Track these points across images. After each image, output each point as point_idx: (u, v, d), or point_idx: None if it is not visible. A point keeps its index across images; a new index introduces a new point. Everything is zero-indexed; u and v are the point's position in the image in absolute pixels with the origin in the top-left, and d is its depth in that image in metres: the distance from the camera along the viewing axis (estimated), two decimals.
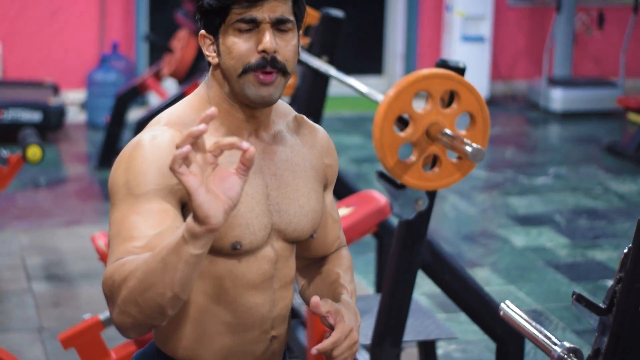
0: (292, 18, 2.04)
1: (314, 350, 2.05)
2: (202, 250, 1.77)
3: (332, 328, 2.08)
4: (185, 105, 2.09)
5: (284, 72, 2.03)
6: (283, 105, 2.20)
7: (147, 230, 1.90)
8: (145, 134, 2.01)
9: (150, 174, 1.95)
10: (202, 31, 2.07)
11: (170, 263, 1.77)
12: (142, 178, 1.94)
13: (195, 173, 1.72)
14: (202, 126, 1.70)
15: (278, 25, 2.02)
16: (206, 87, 2.10)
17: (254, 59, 2.01)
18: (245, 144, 1.72)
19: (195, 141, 1.71)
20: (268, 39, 2.00)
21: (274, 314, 2.13)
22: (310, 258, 2.30)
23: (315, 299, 2.04)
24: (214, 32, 2.05)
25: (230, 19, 2.01)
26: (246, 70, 2.01)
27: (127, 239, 1.90)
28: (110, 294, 1.87)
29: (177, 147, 1.70)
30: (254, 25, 2.01)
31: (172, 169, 1.70)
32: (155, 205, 1.93)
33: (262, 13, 2.00)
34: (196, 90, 2.12)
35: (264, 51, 2.00)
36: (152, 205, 1.93)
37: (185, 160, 1.70)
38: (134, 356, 2.20)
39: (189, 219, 1.75)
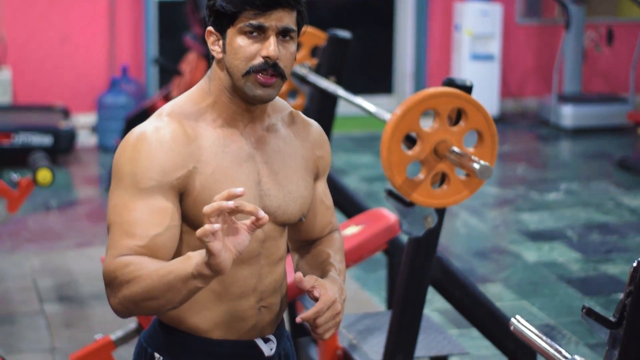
0: (295, 28, 2.18)
1: (298, 319, 2.18)
2: (206, 284, 2.02)
3: (317, 301, 2.20)
4: (187, 97, 2.25)
5: (282, 76, 2.19)
6: (280, 101, 2.36)
7: (148, 230, 2.10)
8: (149, 125, 2.18)
9: (153, 171, 2.13)
10: (210, 27, 2.20)
11: (175, 288, 2.02)
12: (146, 173, 2.13)
13: (220, 238, 1.93)
14: (230, 203, 1.91)
15: (282, 34, 2.17)
16: (208, 80, 2.25)
17: (257, 62, 2.16)
18: (261, 213, 1.96)
19: (222, 213, 1.92)
20: (273, 47, 2.15)
21: (261, 287, 2.28)
22: (302, 240, 2.45)
23: (298, 274, 2.19)
24: (222, 30, 2.18)
25: (239, 22, 2.15)
26: (249, 71, 2.16)
27: (129, 235, 2.10)
28: (111, 285, 2.09)
29: (206, 214, 1.91)
30: (261, 31, 2.15)
31: (200, 239, 1.91)
32: (157, 203, 2.12)
33: (269, 21, 2.15)
34: (199, 83, 2.27)
35: (267, 57, 2.14)
36: (154, 202, 2.12)
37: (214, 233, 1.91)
38: (141, 334, 2.34)
39: (201, 262, 1.97)
